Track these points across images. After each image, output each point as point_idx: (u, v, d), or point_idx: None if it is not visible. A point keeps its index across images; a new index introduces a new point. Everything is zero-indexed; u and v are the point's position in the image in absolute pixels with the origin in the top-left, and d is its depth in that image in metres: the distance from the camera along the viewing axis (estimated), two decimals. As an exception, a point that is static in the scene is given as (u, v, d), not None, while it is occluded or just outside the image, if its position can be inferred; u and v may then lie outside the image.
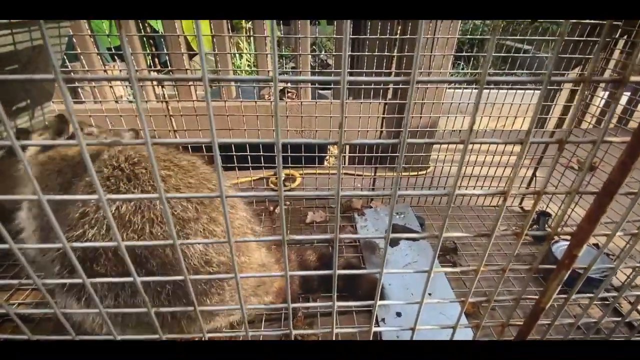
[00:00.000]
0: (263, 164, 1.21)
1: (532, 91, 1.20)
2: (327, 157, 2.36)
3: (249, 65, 3.95)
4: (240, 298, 0.35)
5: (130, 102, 1.47)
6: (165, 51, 1.28)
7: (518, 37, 1.10)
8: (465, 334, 0.80)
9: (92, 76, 0.27)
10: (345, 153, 1.47)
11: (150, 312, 0.36)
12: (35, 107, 1.01)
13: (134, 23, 1.23)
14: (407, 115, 0.26)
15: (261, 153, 1.19)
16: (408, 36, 1.19)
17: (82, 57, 1.03)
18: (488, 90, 1.16)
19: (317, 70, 3.32)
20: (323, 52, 3.69)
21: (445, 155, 1.47)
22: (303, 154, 1.23)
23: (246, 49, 3.96)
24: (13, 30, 0.78)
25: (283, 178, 1.50)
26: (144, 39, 1.97)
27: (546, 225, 1.17)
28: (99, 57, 1.25)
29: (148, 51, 1.85)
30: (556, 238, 1.15)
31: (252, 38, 4.10)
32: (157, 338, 0.39)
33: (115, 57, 1.48)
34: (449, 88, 1.27)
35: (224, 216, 0.30)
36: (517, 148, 0.29)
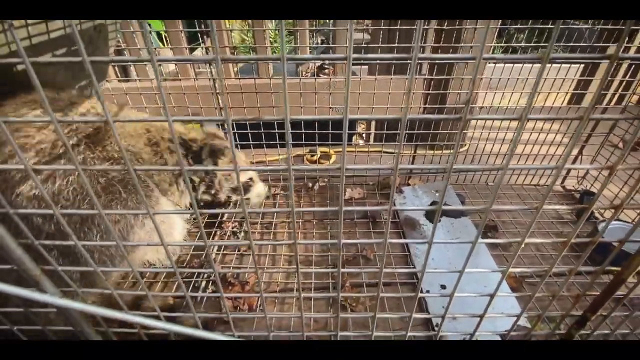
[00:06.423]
0: (304, 142, 1.24)
1: (568, 65, 1.14)
2: (355, 135, 2.35)
3: (243, 41, 3.90)
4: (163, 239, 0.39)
5: (177, 79, 1.50)
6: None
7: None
8: (511, 304, 0.83)
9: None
10: (383, 130, 1.47)
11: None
12: (91, 85, 1.06)
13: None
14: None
15: (302, 131, 1.20)
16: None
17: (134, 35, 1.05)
18: (521, 65, 1.11)
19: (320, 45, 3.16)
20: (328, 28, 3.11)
21: (482, 133, 1.45)
22: (333, 131, 1.23)
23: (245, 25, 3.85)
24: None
25: (319, 155, 1.53)
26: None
27: (590, 205, 1.15)
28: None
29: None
30: (601, 217, 1.14)
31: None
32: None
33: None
34: (490, 63, 1.22)
35: (240, 193, 0.33)
36: (556, 126, 0.30)
